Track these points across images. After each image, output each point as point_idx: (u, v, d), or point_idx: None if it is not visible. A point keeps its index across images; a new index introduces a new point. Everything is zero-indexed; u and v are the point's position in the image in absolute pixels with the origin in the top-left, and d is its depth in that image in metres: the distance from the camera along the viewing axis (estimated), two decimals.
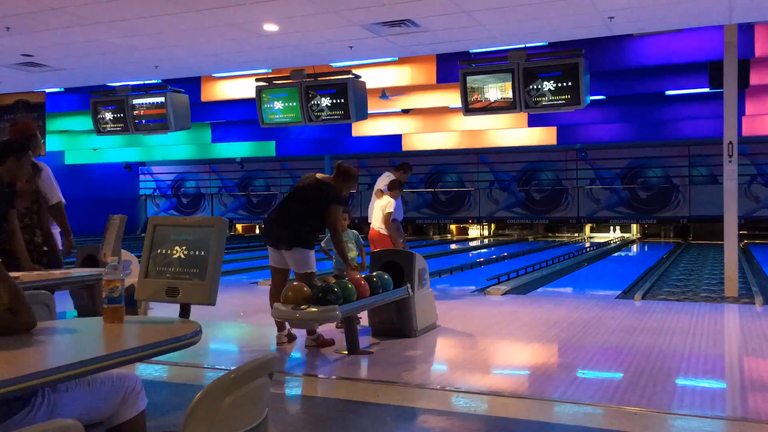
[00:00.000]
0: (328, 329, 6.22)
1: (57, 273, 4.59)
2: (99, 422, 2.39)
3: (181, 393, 4.66)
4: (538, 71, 7.81)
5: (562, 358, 5.72)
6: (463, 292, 9.46)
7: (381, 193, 8.01)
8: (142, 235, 3.89)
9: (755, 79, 10.04)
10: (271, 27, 7.20)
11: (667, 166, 22.46)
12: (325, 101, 8.75)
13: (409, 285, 6.18)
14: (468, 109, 8.32)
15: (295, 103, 8.94)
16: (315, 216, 5.78)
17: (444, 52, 9.12)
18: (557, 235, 24.23)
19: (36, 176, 5.14)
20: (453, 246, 20.93)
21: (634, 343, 5.99)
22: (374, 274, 5.86)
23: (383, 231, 7.80)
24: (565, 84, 7.70)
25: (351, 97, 8.59)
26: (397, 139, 17.44)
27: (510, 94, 7.96)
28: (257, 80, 9.24)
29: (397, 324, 6.25)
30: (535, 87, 7.83)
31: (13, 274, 4.29)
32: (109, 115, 10.01)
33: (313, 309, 5.07)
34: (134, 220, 26.77)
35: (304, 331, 5.84)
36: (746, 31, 8.76)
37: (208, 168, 28.39)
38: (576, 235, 24.10)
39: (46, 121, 11.24)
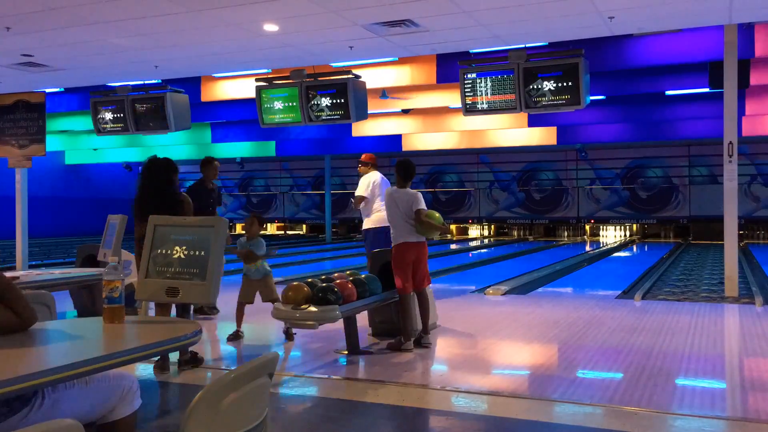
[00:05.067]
0: (331, 328, 6.21)
1: (57, 272, 4.60)
2: (96, 420, 2.40)
3: (181, 393, 4.66)
4: (538, 71, 7.80)
5: (562, 358, 5.72)
6: (463, 292, 9.46)
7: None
8: None
9: (755, 79, 10.04)
10: (271, 27, 7.20)
11: (667, 166, 22.46)
12: (325, 101, 8.75)
13: None
14: (468, 109, 8.32)
15: (295, 103, 8.94)
16: None
17: (444, 52, 9.11)
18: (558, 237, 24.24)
19: None
20: (453, 246, 20.93)
21: (634, 343, 5.99)
22: (363, 277, 5.82)
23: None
24: (565, 84, 7.70)
25: (351, 97, 8.58)
26: (397, 139, 17.44)
27: (510, 94, 7.96)
28: (257, 80, 9.24)
29: (397, 324, 6.24)
30: (535, 87, 7.83)
31: (11, 273, 4.29)
32: (109, 115, 10.01)
33: (313, 309, 5.07)
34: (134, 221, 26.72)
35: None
36: (746, 31, 8.75)
37: None
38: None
39: (46, 121, 11.23)
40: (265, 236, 28.41)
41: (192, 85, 11.32)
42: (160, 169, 5.42)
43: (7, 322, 2.31)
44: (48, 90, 11.40)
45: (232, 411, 1.96)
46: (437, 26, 7.19)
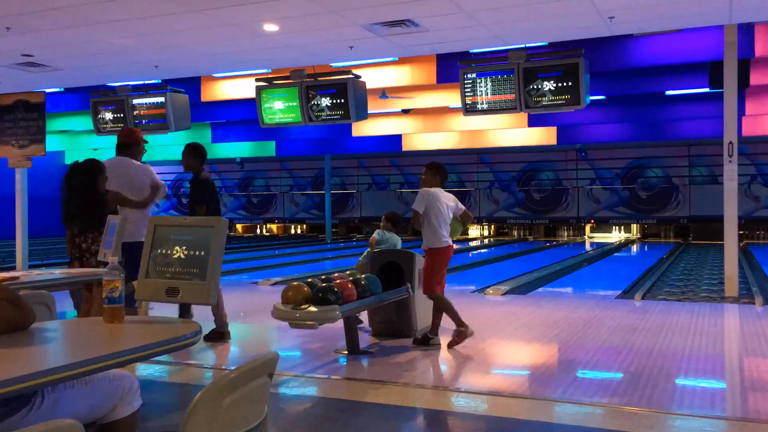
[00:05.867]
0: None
1: (57, 272, 4.59)
2: (95, 421, 2.40)
3: (181, 393, 4.66)
4: (538, 71, 7.81)
5: (562, 358, 5.72)
6: (463, 292, 9.45)
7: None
8: None
9: (755, 79, 10.04)
10: (271, 27, 7.20)
11: (667, 166, 22.46)
12: (325, 101, 8.75)
13: (409, 285, 6.18)
14: (468, 109, 8.32)
15: (295, 103, 8.94)
16: None
17: (444, 52, 9.11)
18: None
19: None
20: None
21: (634, 343, 5.99)
22: (362, 276, 5.82)
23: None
24: (565, 84, 7.70)
25: (351, 97, 8.59)
26: (397, 139, 17.44)
27: (510, 94, 7.97)
28: (257, 80, 9.24)
29: (397, 324, 6.25)
30: (535, 87, 7.83)
31: (11, 273, 4.29)
32: (109, 115, 10.01)
33: (313, 309, 5.07)
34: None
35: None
36: (746, 31, 8.75)
37: (208, 168, 28.33)
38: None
39: (46, 121, 11.23)
40: (265, 236, 28.30)
41: (192, 85, 11.32)
42: (79, 174, 5.43)
43: (9, 316, 2.31)
44: (48, 90, 11.40)
45: (232, 411, 1.96)
46: (437, 26, 7.19)
